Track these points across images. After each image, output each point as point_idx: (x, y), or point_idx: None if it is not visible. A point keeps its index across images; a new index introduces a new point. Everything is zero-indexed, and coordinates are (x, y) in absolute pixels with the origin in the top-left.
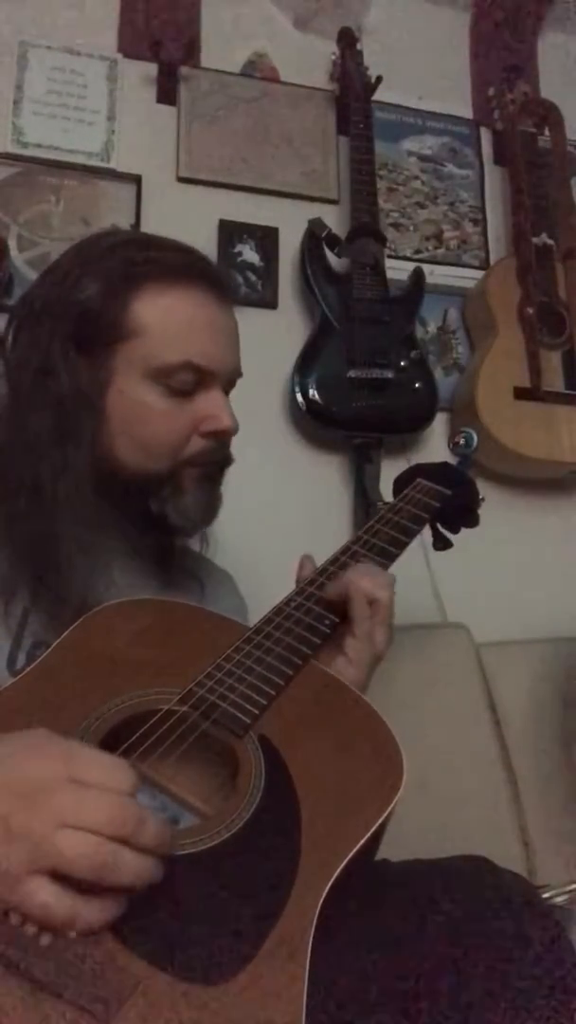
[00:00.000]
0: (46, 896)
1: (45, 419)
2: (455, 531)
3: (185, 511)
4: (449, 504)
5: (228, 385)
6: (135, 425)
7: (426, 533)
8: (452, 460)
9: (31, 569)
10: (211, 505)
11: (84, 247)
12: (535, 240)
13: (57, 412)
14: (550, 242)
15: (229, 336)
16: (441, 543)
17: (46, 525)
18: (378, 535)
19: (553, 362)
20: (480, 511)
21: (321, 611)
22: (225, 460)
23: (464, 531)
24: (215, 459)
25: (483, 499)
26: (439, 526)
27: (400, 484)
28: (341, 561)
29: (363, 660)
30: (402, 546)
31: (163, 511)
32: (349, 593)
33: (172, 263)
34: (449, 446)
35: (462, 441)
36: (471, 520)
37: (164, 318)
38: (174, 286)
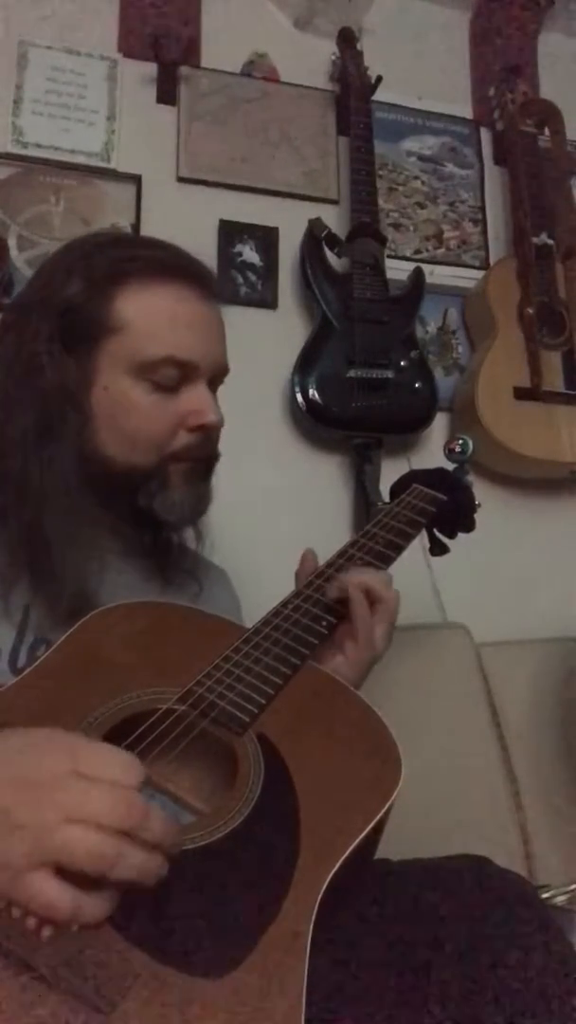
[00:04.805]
0: (48, 890)
1: (30, 416)
2: (452, 536)
3: (172, 506)
4: (446, 509)
5: (214, 379)
6: (120, 420)
7: (424, 537)
8: (448, 466)
9: (25, 562)
10: (199, 500)
11: (69, 248)
12: (535, 240)
13: (43, 409)
14: (550, 242)
15: (212, 330)
16: (438, 548)
17: (34, 519)
18: (375, 539)
19: (553, 362)
20: (477, 516)
21: (319, 612)
22: (212, 455)
23: (463, 532)
24: (201, 454)
25: (480, 504)
26: (436, 531)
27: (397, 490)
28: (338, 564)
29: (362, 661)
30: (399, 550)
31: (150, 505)
32: (349, 593)
33: (154, 259)
34: (445, 452)
35: (458, 447)
36: (468, 525)
37: (146, 313)
38: (156, 282)
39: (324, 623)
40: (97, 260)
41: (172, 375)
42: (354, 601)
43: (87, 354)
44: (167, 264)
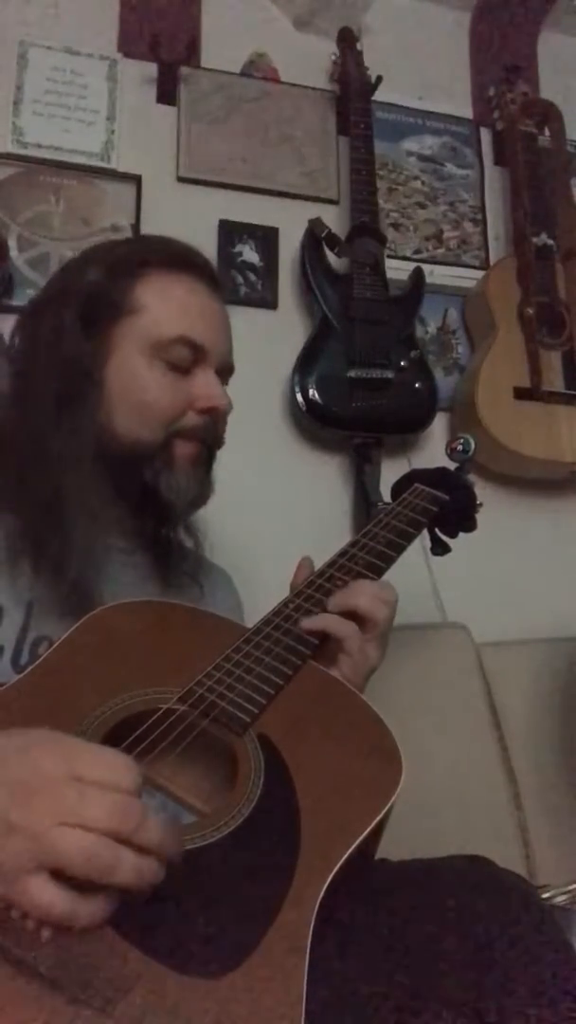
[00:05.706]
0: (45, 894)
1: (52, 387)
2: (453, 536)
3: (177, 487)
4: (447, 509)
5: (221, 374)
6: (132, 395)
7: (424, 537)
8: (450, 465)
9: (34, 531)
10: (202, 488)
11: (90, 248)
12: (535, 240)
13: (61, 379)
14: (550, 242)
15: (223, 324)
16: (440, 548)
17: (52, 484)
18: (376, 539)
19: (553, 362)
20: (478, 515)
21: (319, 612)
22: (217, 441)
23: (464, 532)
24: (207, 437)
25: (481, 504)
26: (437, 531)
27: (398, 489)
28: (339, 564)
29: (358, 674)
30: (399, 550)
31: (155, 483)
32: (334, 629)
33: (172, 253)
34: (447, 451)
35: (460, 446)
36: (469, 525)
37: (163, 298)
38: (173, 273)
39: None
40: (118, 252)
41: (185, 356)
42: (342, 635)
43: (104, 333)
44: (186, 259)
